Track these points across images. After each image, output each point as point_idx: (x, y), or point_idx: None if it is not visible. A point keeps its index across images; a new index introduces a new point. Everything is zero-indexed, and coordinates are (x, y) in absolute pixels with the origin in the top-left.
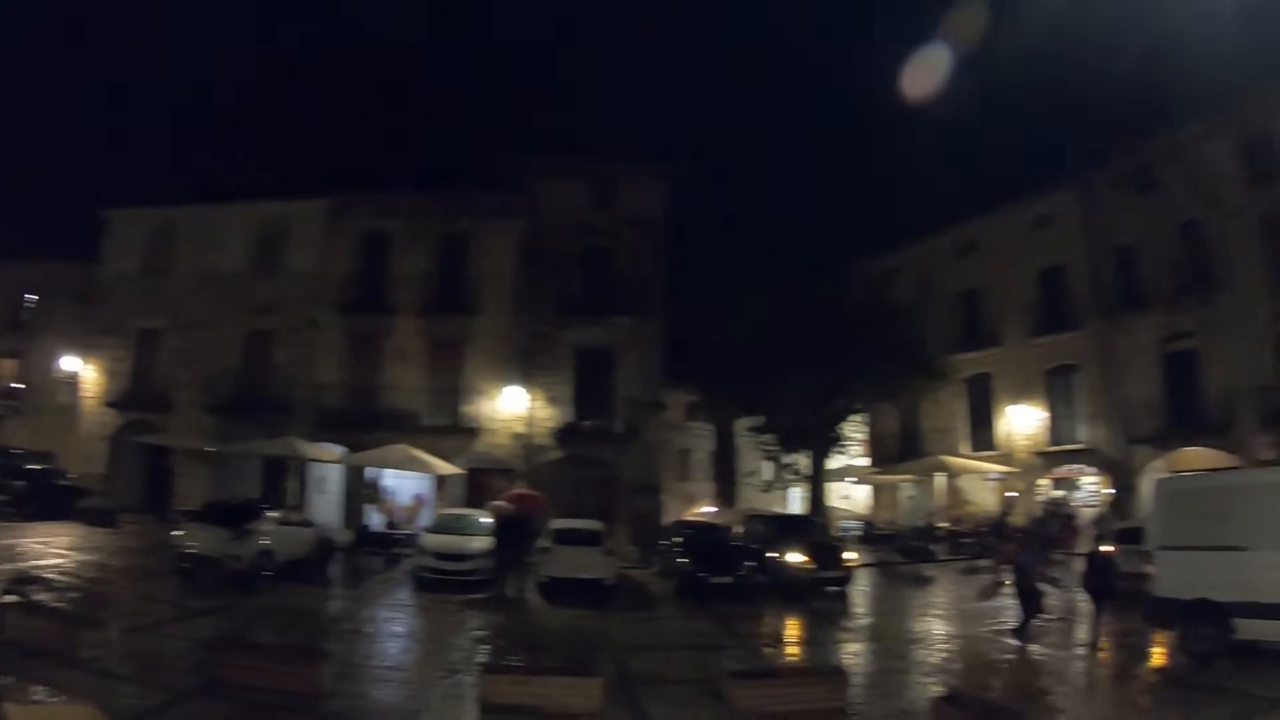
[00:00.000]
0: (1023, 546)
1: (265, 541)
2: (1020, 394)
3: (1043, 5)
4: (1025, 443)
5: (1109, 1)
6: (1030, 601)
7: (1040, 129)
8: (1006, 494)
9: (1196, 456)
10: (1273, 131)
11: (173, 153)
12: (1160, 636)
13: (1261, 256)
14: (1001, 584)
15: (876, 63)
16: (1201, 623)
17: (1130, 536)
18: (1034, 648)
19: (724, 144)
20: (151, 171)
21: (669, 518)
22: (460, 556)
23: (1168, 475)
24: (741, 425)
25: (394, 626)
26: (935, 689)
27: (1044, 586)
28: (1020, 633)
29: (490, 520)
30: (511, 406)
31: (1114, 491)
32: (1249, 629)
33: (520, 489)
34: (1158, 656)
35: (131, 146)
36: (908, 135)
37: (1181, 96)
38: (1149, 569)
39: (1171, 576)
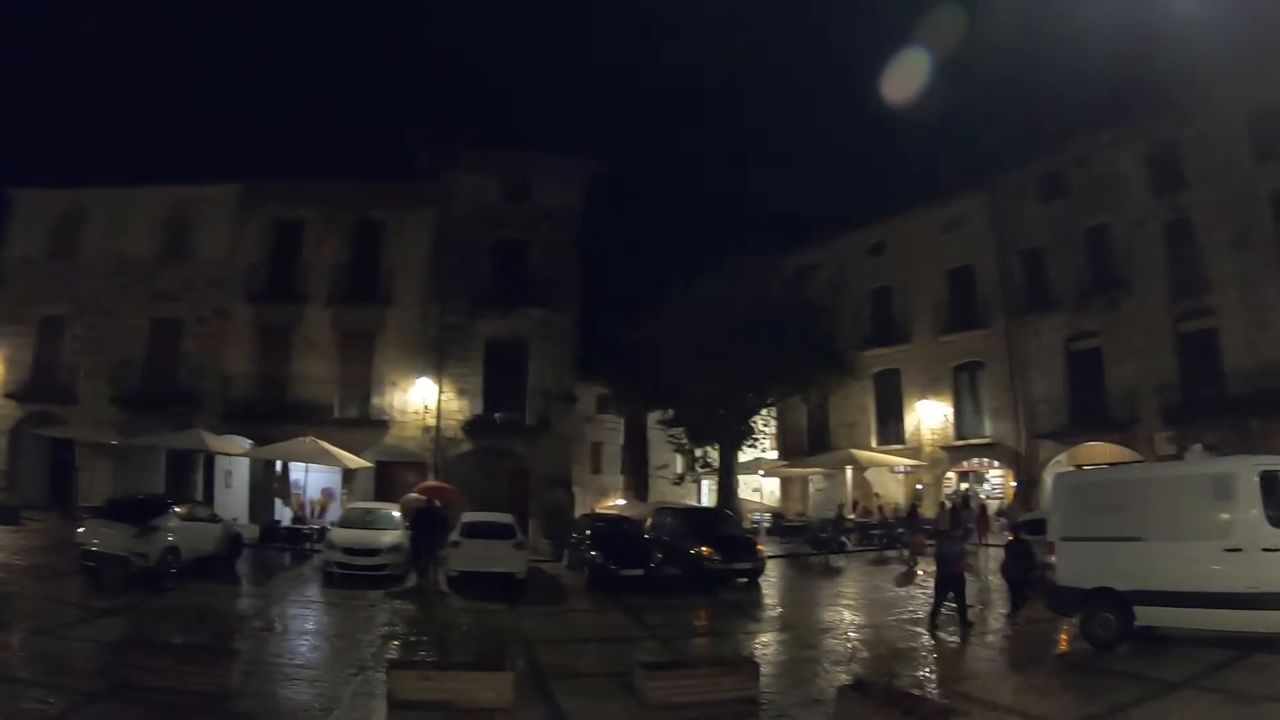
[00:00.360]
0: (943, 537)
1: (171, 538)
2: (928, 389)
3: (964, 17)
4: (933, 437)
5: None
6: (947, 589)
7: (956, 134)
8: (916, 486)
9: (1099, 451)
10: (1177, 142)
11: (83, 133)
12: (1063, 624)
13: (1164, 261)
14: (915, 573)
15: (797, 62)
16: (1103, 610)
17: (1034, 528)
18: (941, 635)
19: (642, 139)
20: (59, 151)
21: (581, 511)
22: (370, 551)
23: (1067, 470)
24: (653, 418)
25: (303, 623)
26: (844, 678)
27: (966, 574)
28: (933, 619)
29: (399, 514)
30: (422, 399)
31: (1017, 484)
32: (1148, 615)
33: (432, 482)
34: (1061, 643)
35: (38, 125)
36: (827, 135)
37: (1092, 107)
38: (1051, 559)
39: (1073, 566)
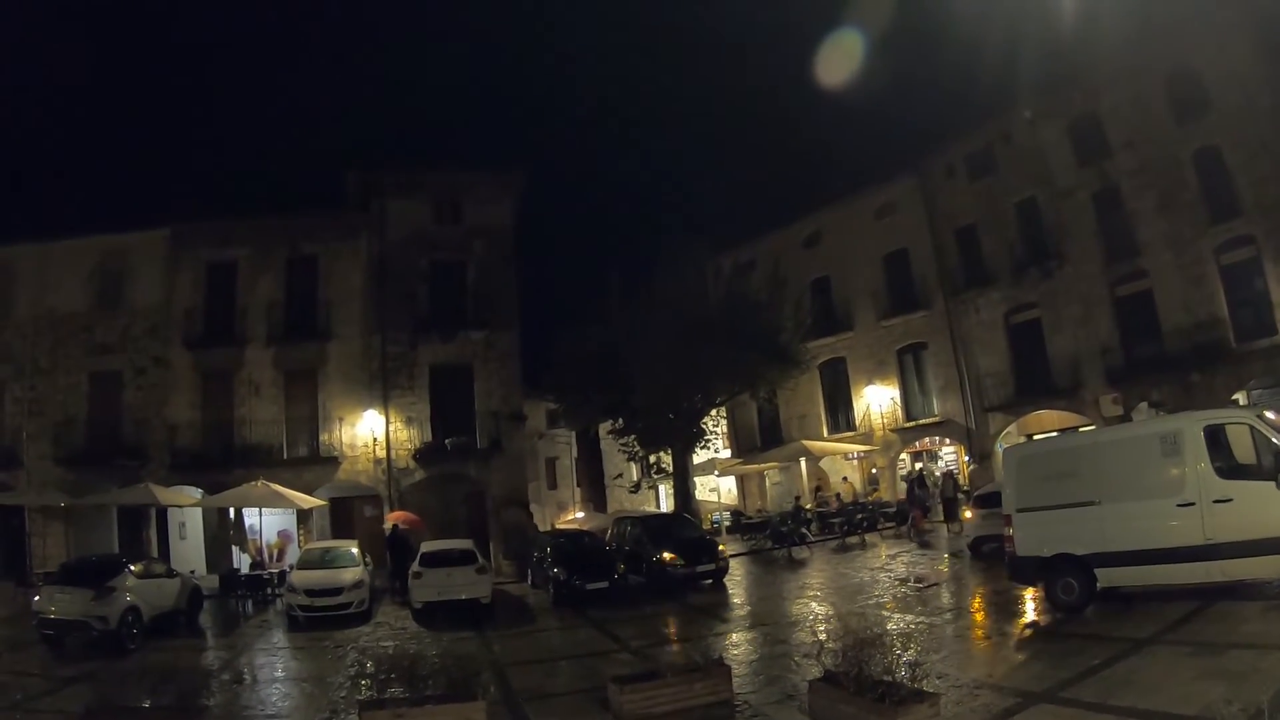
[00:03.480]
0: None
1: (130, 598)
2: (874, 374)
3: (884, 6)
4: (883, 420)
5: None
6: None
7: (882, 122)
8: (872, 470)
9: (1047, 419)
10: (1097, 111)
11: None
12: (1027, 593)
13: (1095, 229)
14: (927, 543)
15: (725, 60)
16: (1064, 576)
17: (989, 500)
18: (910, 616)
19: (570, 150)
20: None
21: (541, 528)
22: (332, 590)
23: (1015, 443)
24: (604, 429)
25: (272, 671)
26: (815, 670)
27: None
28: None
29: (357, 550)
30: (371, 431)
31: (970, 459)
32: (1109, 576)
33: (399, 512)
34: (1027, 612)
35: None
36: (757, 131)
37: (1013, 84)
38: (1009, 531)
39: (1031, 536)
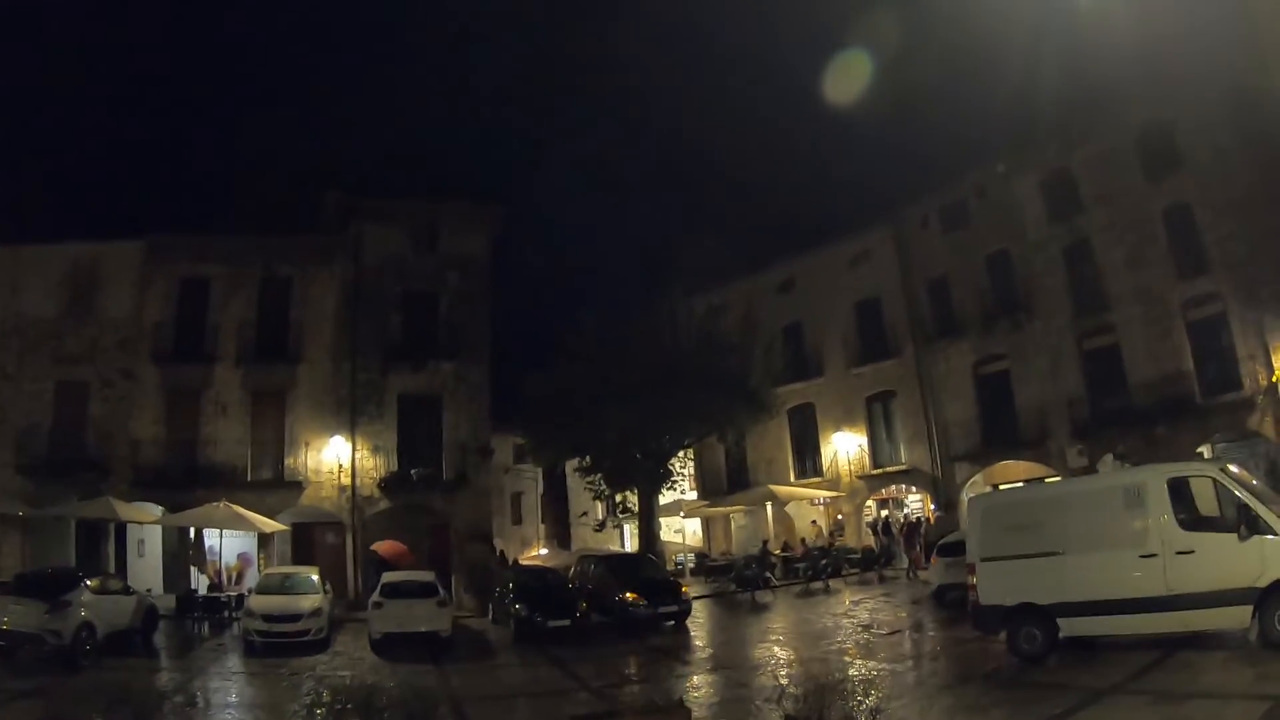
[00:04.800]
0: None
1: (85, 613)
2: (843, 421)
3: (868, 54)
4: (850, 467)
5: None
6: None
7: (860, 170)
8: (837, 516)
9: (1013, 469)
10: (1070, 167)
11: None
12: (990, 642)
13: (1065, 282)
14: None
15: (706, 104)
16: (1027, 625)
17: (953, 550)
18: (873, 663)
19: (549, 184)
20: None
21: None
22: (291, 617)
23: (981, 493)
24: (571, 466)
25: (226, 696)
26: (776, 715)
27: None
28: None
29: (318, 578)
30: (336, 457)
31: (936, 508)
32: (1071, 626)
33: (388, 542)
34: (990, 660)
35: None
36: (732, 175)
37: (988, 138)
38: (972, 580)
39: (994, 585)
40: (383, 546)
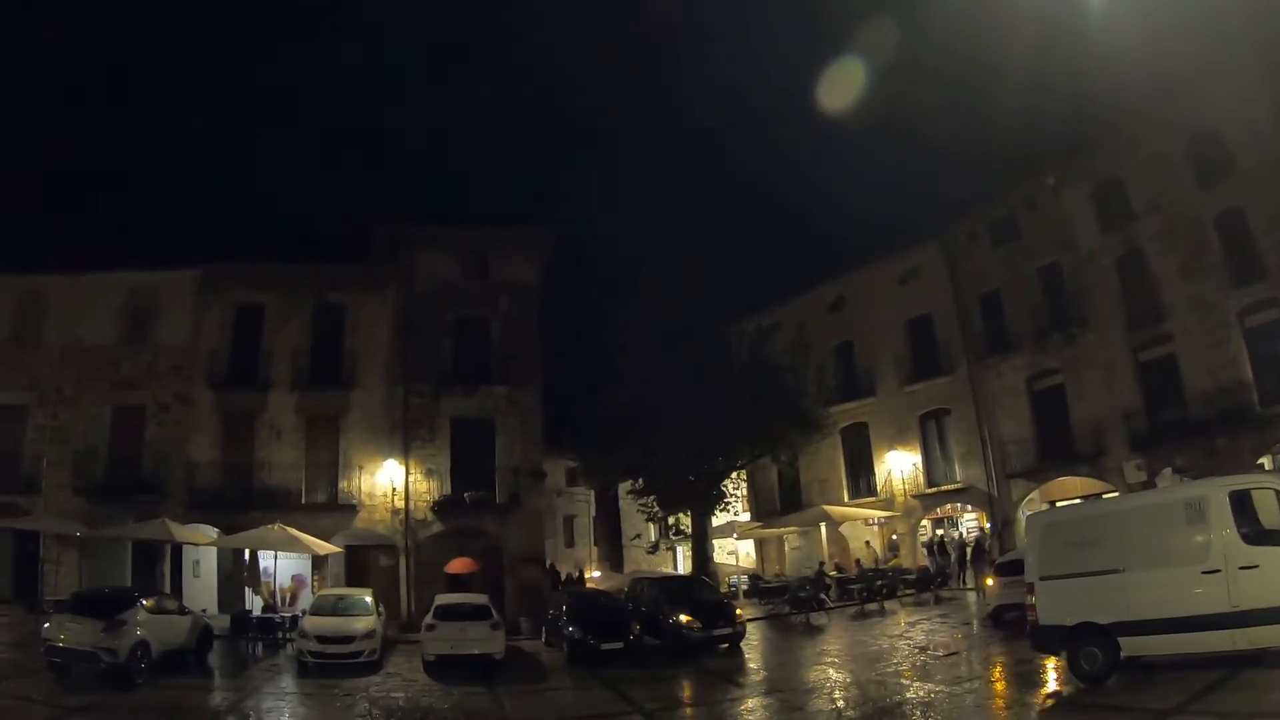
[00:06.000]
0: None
1: (140, 632)
2: (896, 440)
3: (911, 74)
4: (904, 486)
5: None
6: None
7: (909, 186)
8: (891, 537)
9: (1070, 486)
10: (1121, 176)
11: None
12: (1049, 662)
13: (1117, 294)
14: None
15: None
16: (1087, 645)
17: (1011, 569)
18: (929, 685)
19: (600, 206)
20: (16, 238)
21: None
22: (344, 639)
23: (1040, 510)
24: (624, 489)
25: (279, 716)
26: None
27: None
28: None
29: (371, 599)
30: (390, 481)
31: (992, 526)
32: (1133, 646)
33: (461, 559)
34: (1049, 682)
35: None
36: (784, 194)
37: (1037, 149)
38: (1031, 599)
39: (1054, 604)
40: (453, 565)
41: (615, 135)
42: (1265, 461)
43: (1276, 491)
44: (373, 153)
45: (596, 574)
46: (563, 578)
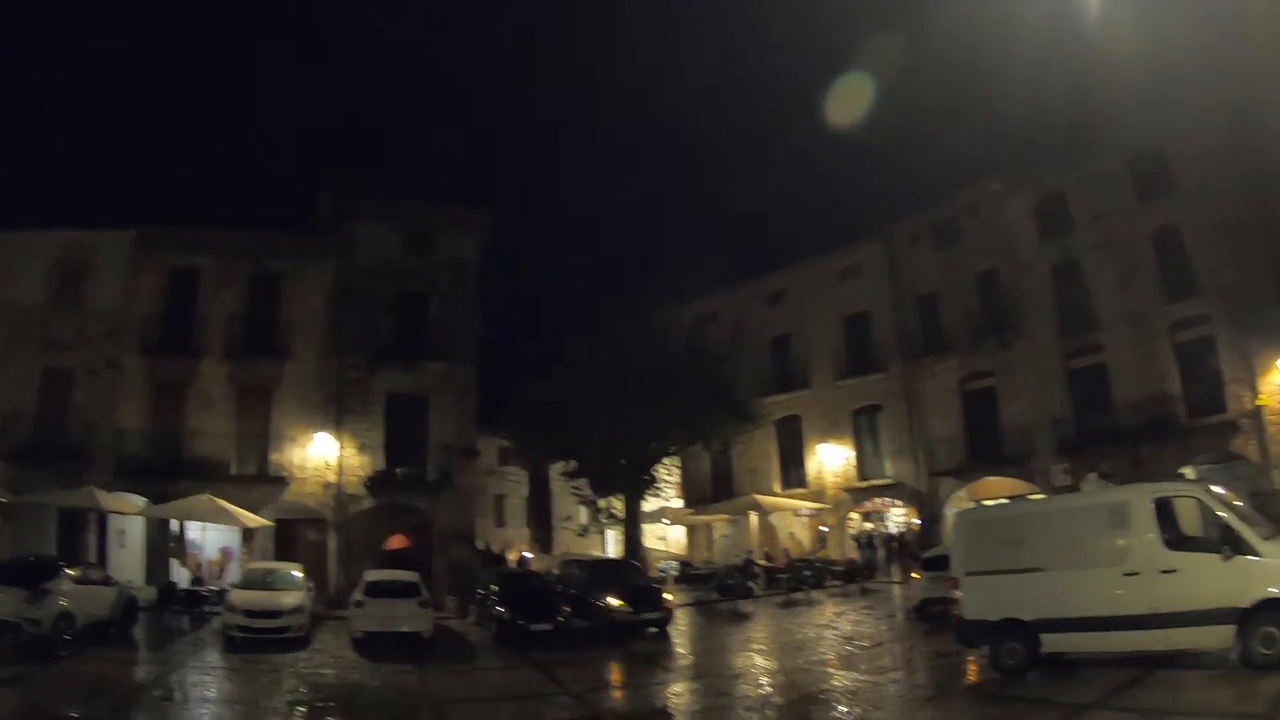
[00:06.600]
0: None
1: (64, 603)
2: (829, 433)
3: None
4: (835, 479)
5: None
6: None
7: (853, 184)
8: (820, 528)
9: (997, 486)
10: (1063, 188)
11: None
12: (972, 656)
13: (1052, 302)
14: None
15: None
16: (1010, 640)
17: (937, 564)
18: (853, 674)
19: (544, 191)
20: None
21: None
22: (272, 613)
23: (967, 508)
24: (556, 470)
25: (205, 691)
26: None
27: None
28: None
29: (300, 574)
30: (322, 454)
31: (920, 522)
32: (1054, 642)
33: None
34: (971, 675)
35: None
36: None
37: (983, 156)
38: (956, 594)
39: (978, 599)
40: (393, 542)
41: (568, 124)
42: (1188, 471)
43: (1198, 500)
44: (320, 121)
45: (527, 555)
46: (504, 559)
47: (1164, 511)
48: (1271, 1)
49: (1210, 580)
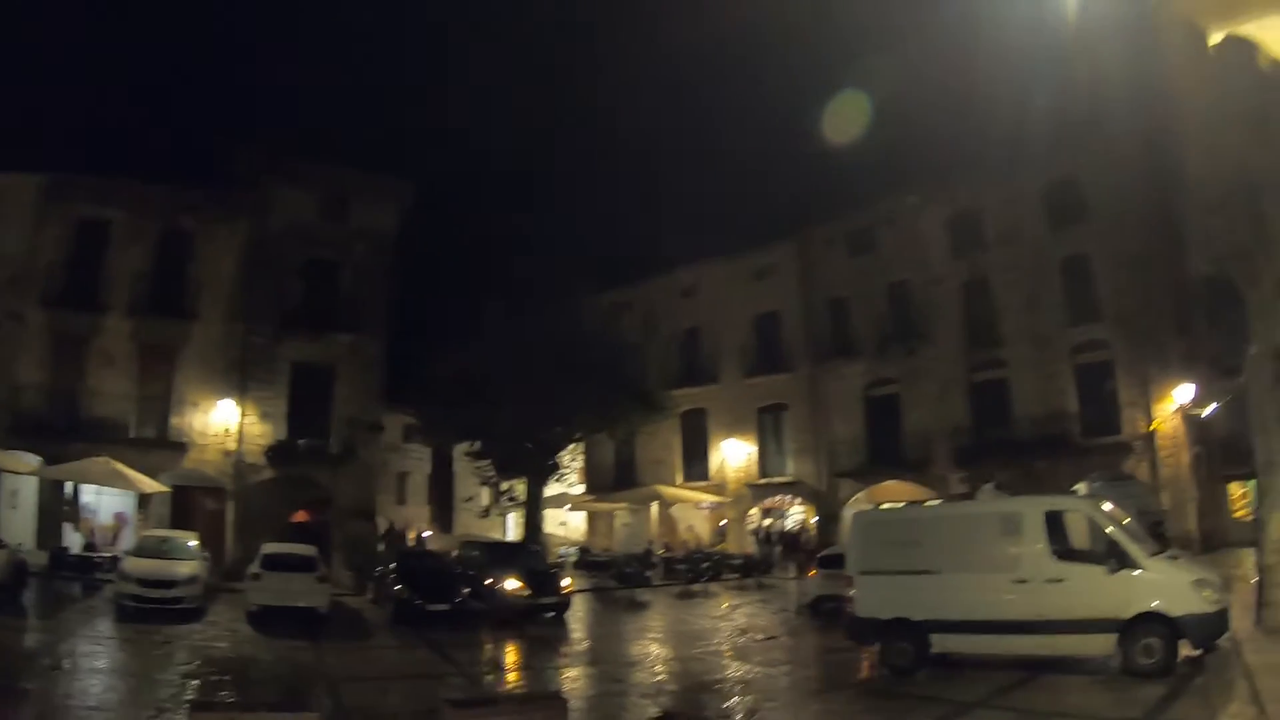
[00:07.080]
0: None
1: None
2: (734, 429)
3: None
4: (737, 474)
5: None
6: None
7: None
8: (720, 522)
9: (896, 490)
10: (979, 207)
11: None
12: (863, 652)
13: (960, 316)
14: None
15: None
16: (900, 639)
17: (832, 562)
18: (746, 665)
19: (464, 170)
20: None
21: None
22: (166, 583)
23: (864, 509)
24: (460, 450)
25: (96, 661)
26: (652, 710)
27: None
28: None
29: (196, 543)
30: (224, 421)
31: (818, 520)
32: (943, 643)
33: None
34: (861, 671)
35: None
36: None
37: (903, 169)
38: (850, 592)
39: (871, 598)
40: (299, 515)
41: (490, 96)
42: (1081, 487)
43: (1087, 515)
44: (243, 72)
45: (427, 534)
46: (405, 536)
47: (1054, 524)
48: (1186, 36)
49: (1095, 591)
